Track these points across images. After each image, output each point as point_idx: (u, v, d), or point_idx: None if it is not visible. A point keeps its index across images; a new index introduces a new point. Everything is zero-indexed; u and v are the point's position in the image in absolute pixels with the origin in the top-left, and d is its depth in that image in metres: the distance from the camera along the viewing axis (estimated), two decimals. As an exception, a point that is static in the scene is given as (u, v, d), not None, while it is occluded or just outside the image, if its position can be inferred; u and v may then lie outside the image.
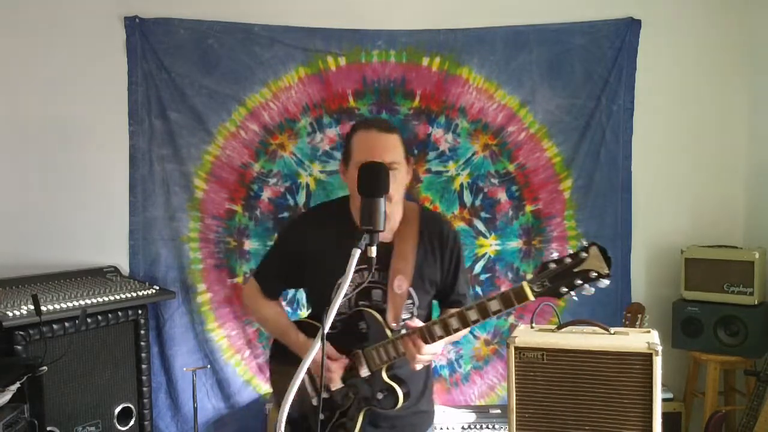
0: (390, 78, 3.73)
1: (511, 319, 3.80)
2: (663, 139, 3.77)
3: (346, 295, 1.94)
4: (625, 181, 3.75)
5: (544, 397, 1.98)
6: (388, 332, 1.95)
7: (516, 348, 2.00)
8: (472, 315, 1.82)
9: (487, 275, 3.77)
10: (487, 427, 3.42)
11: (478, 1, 3.76)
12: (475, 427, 3.43)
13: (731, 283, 3.42)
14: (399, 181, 1.93)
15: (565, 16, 3.70)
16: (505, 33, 3.70)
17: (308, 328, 2.11)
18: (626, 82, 3.71)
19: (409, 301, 2.04)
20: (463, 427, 3.42)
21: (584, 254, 1.66)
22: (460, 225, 3.77)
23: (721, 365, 3.46)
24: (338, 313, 1.99)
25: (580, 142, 3.73)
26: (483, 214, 3.78)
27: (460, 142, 3.75)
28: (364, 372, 1.97)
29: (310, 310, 2.25)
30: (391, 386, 1.94)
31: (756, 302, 3.38)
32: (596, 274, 1.65)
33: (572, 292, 1.69)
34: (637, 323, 3.14)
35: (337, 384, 2.00)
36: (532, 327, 2.14)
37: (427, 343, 1.88)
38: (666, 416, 2.08)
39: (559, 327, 2.10)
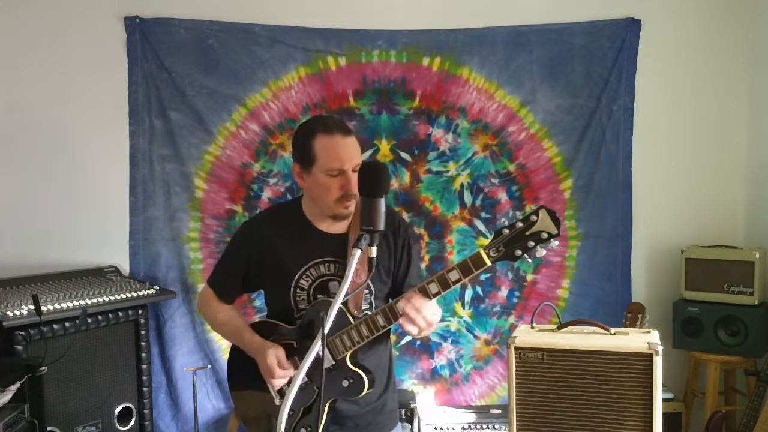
0: (390, 78, 3.73)
1: (512, 319, 3.80)
2: (663, 139, 3.77)
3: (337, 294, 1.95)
4: (625, 181, 3.75)
5: (544, 397, 1.98)
6: (351, 319, 1.94)
7: (516, 348, 2.00)
8: (433, 288, 1.82)
9: (488, 275, 3.77)
10: (488, 427, 3.42)
11: (478, 1, 3.76)
12: (475, 427, 3.43)
13: (731, 283, 3.42)
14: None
15: (565, 16, 3.70)
16: (505, 33, 3.70)
17: (263, 328, 2.10)
18: (626, 82, 3.71)
19: (366, 291, 2.04)
20: (463, 427, 3.42)
21: (534, 217, 1.71)
22: (460, 225, 3.77)
23: (721, 365, 3.46)
24: (298, 309, 2.02)
25: (581, 142, 3.73)
26: (483, 214, 3.78)
27: (461, 142, 3.75)
28: (328, 362, 1.95)
29: (267, 312, 2.22)
30: (356, 372, 1.93)
31: (756, 302, 3.38)
32: (547, 235, 1.70)
33: (526, 255, 1.74)
34: (638, 323, 3.15)
35: (277, 386, 2.01)
36: (532, 327, 2.14)
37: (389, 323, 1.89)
38: (666, 416, 2.08)
39: (560, 327, 2.10)
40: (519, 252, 1.73)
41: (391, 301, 1.93)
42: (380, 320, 1.89)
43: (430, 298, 1.83)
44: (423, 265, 3.68)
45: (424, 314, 1.82)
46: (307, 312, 2.00)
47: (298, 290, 2.01)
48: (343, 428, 2.05)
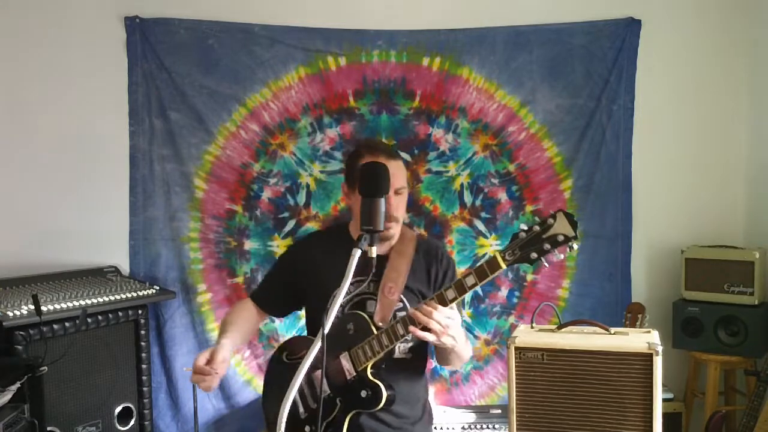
0: (390, 78, 3.73)
1: (512, 319, 3.80)
2: (663, 139, 3.77)
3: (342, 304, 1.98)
4: (625, 181, 3.75)
5: (544, 397, 1.98)
6: (374, 330, 1.97)
7: (516, 348, 2.00)
8: (450, 294, 1.86)
9: (488, 275, 3.77)
10: (487, 427, 3.42)
11: (478, 1, 3.76)
12: (475, 427, 3.43)
13: (731, 283, 3.42)
14: (404, 203, 2.06)
15: (565, 16, 3.70)
16: (505, 33, 3.70)
17: (298, 343, 2.14)
18: (626, 82, 3.71)
19: (401, 309, 2.08)
20: (463, 427, 3.42)
21: (551, 221, 1.71)
22: (460, 225, 3.77)
23: (721, 365, 3.46)
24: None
25: (581, 142, 3.73)
26: (483, 214, 3.78)
27: (461, 142, 3.75)
28: (350, 373, 1.98)
29: (306, 329, 2.28)
30: (375, 384, 1.95)
31: (756, 302, 3.38)
32: (563, 237, 1.70)
33: (542, 259, 1.74)
34: (638, 323, 3.15)
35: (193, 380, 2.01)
36: (532, 327, 2.14)
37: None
38: (666, 416, 2.08)
39: (560, 327, 2.10)
40: (534, 255, 1.73)
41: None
42: (400, 329, 1.90)
43: (447, 305, 1.85)
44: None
45: (436, 318, 1.83)
46: (337, 322, 2.01)
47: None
48: None
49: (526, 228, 1.75)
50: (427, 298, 1.91)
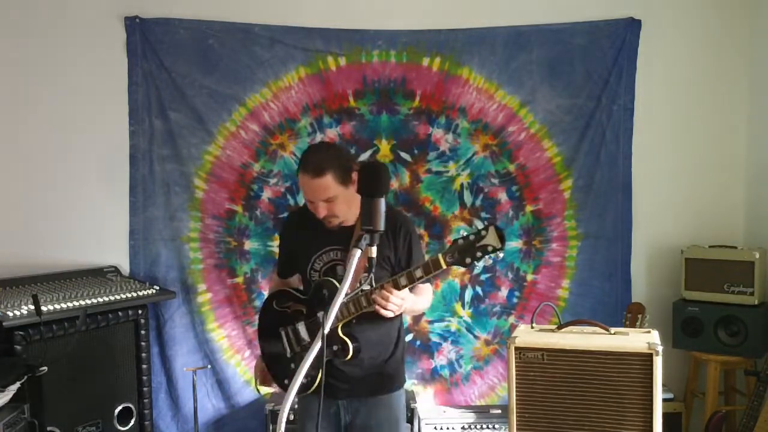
0: (390, 78, 3.73)
1: (512, 319, 3.80)
2: (663, 139, 3.77)
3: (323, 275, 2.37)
4: (625, 181, 3.75)
5: (544, 397, 1.99)
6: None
7: (516, 348, 2.00)
8: (403, 281, 2.15)
9: (488, 275, 3.77)
10: (487, 427, 3.43)
11: (478, 1, 3.76)
12: (475, 427, 3.43)
13: (731, 283, 3.42)
14: (344, 201, 2.30)
15: (565, 16, 3.70)
16: (505, 33, 3.70)
17: (283, 295, 2.50)
18: (626, 82, 3.71)
19: (365, 273, 2.16)
20: (463, 427, 3.42)
21: (484, 232, 2.00)
22: (460, 225, 3.77)
23: (721, 365, 3.46)
24: (312, 284, 2.41)
25: (581, 142, 3.73)
26: (483, 215, 3.78)
27: (461, 142, 3.75)
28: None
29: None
30: (343, 340, 2.26)
31: (756, 302, 3.38)
32: (492, 248, 1.98)
33: (475, 263, 2.08)
34: (638, 323, 3.15)
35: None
36: (532, 327, 2.15)
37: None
38: (666, 416, 2.08)
39: (560, 327, 2.10)
40: (468, 260, 2.01)
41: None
42: (363, 302, 2.20)
43: (400, 289, 2.16)
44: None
45: (393, 302, 2.16)
46: (313, 287, 2.37)
47: (312, 271, 2.42)
48: (338, 380, 2.35)
49: (464, 236, 2.03)
50: (384, 281, 2.19)
